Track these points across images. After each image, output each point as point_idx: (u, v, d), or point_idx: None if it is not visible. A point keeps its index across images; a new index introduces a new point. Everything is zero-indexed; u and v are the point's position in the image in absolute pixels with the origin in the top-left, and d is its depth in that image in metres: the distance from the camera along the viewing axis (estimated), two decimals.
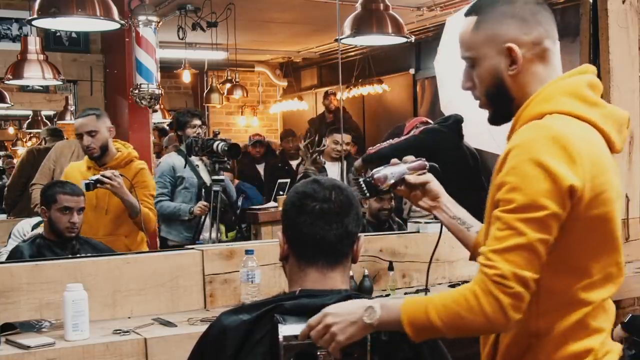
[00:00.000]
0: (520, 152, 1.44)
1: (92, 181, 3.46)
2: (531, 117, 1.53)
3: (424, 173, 1.93)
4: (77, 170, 3.77)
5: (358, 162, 4.61)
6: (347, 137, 6.26)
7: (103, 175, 3.48)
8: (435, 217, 1.94)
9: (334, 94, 8.73)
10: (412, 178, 1.91)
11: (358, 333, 1.51)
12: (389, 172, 1.92)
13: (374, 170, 1.94)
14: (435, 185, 1.92)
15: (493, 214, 1.46)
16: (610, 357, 1.56)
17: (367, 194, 1.93)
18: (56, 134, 6.55)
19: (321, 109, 9.19)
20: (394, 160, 1.92)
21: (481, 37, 1.59)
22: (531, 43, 1.57)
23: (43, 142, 6.75)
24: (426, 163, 1.96)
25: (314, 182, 1.64)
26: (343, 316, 1.50)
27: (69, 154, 4.73)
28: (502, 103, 1.62)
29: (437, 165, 1.98)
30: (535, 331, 1.52)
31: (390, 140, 4.38)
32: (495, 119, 1.68)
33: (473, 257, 1.84)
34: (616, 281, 1.62)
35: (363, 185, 1.93)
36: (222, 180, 4.28)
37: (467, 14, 1.63)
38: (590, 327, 1.53)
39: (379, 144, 4.37)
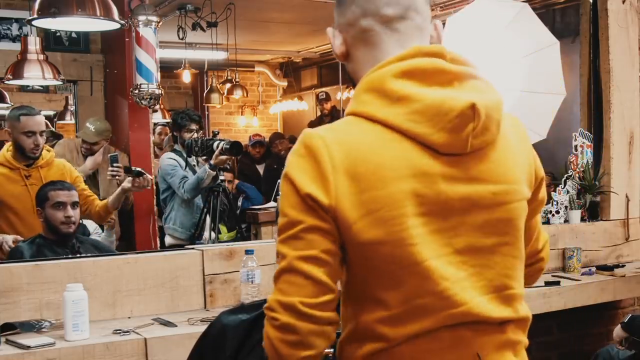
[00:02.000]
0: (285, 168, 1.28)
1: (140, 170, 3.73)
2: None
3: None
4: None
5: None
6: None
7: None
8: None
9: (325, 99, 8.72)
10: None
11: None
12: None
13: None
14: None
15: None
16: None
17: None
18: (57, 137, 6.55)
19: None
20: None
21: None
22: (346, 24, 1.35)
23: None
24: None
25: None
26: None
27: (68, 154, 4.73)
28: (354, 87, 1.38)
29: None
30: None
31: None
32: None
33: None
34: (441, 313, 1.25)
35: None
36: (223, 181, 4.30)
37: None
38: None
39: None
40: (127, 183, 3.83)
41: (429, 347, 1.26)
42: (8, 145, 3.71)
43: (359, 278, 1.27)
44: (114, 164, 4.19)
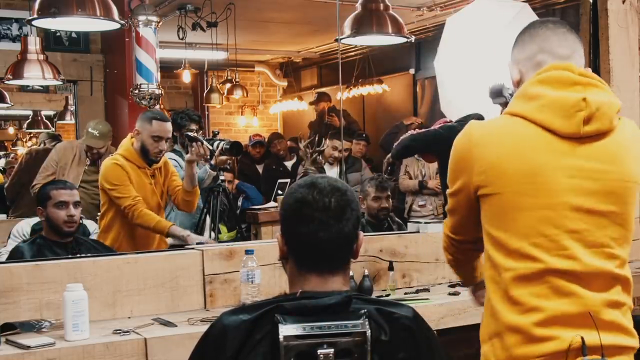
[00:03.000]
0: None
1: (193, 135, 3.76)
2: None
3: None
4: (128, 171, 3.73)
5: (389, 157, 5.01)
6: (346, 144, 6.27)
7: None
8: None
9: (326, 100, 8.70)
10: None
11: None
12: None
13: None
14: None
15: None
16: None
17: None
18: (56, 138, 6.55)
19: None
20: None
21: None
22: (523, 60, 1.86)
23: (42, 145, 6.77)
24: None
25: (312, 186, 1.60)
26: None
27: (70, 155, 4.74)
28: None
29: None
30: None
31: (412, 130, 4.53)
32: None
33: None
34: None
35: None
36: (223, 181, 4.29)
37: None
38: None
39: (401, 137, 4.47)
40: (188, 154, 3.84)
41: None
42: (131, 141, 3.73)
43: None
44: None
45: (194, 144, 3.77)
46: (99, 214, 3.93)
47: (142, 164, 3.71)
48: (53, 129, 8.44)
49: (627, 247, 1.73)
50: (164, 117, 3.77)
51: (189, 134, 3.89)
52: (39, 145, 7.04)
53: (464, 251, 2.00)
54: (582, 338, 1.61)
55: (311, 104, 8.95)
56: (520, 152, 1.69)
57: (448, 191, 1.87)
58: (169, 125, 3.74)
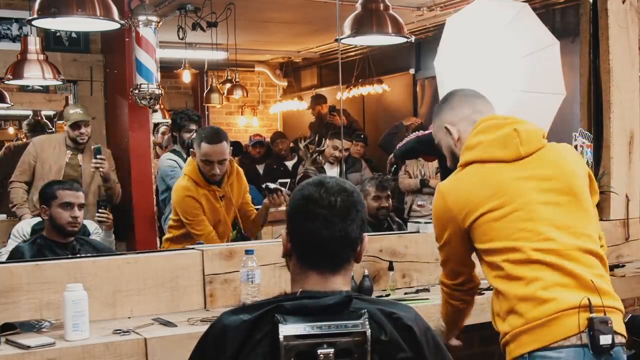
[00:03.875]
0: None
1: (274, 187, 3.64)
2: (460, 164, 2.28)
3: None
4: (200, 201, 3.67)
5: (391, 158, 5.04)
6: (346, 143, 6.27)
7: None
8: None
9: (324, 101, 8.70)
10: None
11: None
12: None
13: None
14: None
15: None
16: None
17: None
18: (37, 129, 6.49)
19: None
20: None
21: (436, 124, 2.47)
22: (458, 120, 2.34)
23: (24, 137, 6.76)
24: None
25: (320, 184, 1.62)
26: None
27: (49, 149, 4.72)
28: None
29: None
30: None
31: (417, 132, 4.58)
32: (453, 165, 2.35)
33: None
34: None
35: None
36: None
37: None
38: None
39: (406, 138, 4.48)
40: (266, 200, 3.78)
41: None
42: (194, 162, 3.67)
43: None
44: (98, 156, 4.28)
45: (274, 195, 3.67)
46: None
47: (207, 185, 3.65)
48: (53, 129, 8.43)
49: (590, 227, 2.14)
50: (215, 137, 3.62)
51: (270, 185, 3.72)
52: (19, 140, 6.97)
53: (467, 291, 2.33)
54: (588, 298, 1.98)
55: (308, 108, 8.95)
56: (483, 183, 2.13)
57: (438, 246, 2.26)
58: (221, 147, 3.59)
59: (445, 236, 2.20)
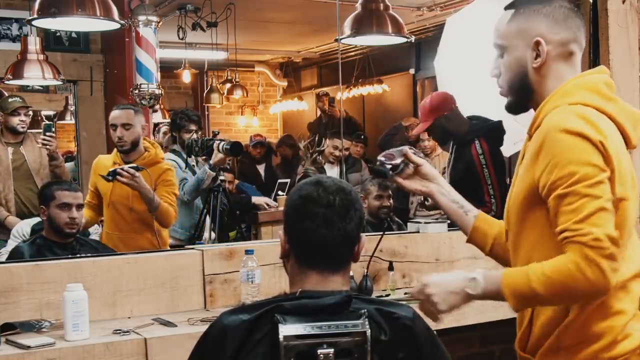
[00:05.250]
0: (559, 131, 1.57)
1: (111, 172, 3.49)
2: (553, 109, 1.65)
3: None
4: (103, 165, 3.78)
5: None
6: (346, 143, 6.27)
7: (122, 169, 3.51)
8: (434, 201, 2.03)
9: (327, 95, 8.72)
10: (409, 151, 2.00)
11: (460, 302, 1.64)
12: (393, 153, 2.01)
13: (387, 152, 2.04)
14: (429, 168, 2.01)
15: (557, 194, 1.55)
16: (630, 340, 1.61)
17: (390, 173, 1.99)
18: None
19: None
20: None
21: (514, 29, 1.74)
22: (558, 42, 1.71)
23: None
24: (419, 152, 2.06)
25: (317, 184, 1.61)
26: (443, 287, 1.63)
27: None
28: (522, 93, 1.76)
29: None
30: (565, 313, 1.61)
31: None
32: (512, 108, 1.80)
33: (469, 240, 1.98)
34: (634, 261, 1.65)
35: (381, 169, 1.99)
36: (222, 181, 4.29)
37: (507, 7, 1.79)
38: (612, 309, 1.60)
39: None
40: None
41: (631, 294, 1.64)
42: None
43: None
44: (47, 133, 4.19)
45: (120, 178, 3.52)
46: None
47: (119, 162, 3.77)
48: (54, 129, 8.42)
49: None
50: (122, 105, 3.86)
51: (120, 171, 3.54)
52: None
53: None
54: None
55: (319, 99, 8.93)
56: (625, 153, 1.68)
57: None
58: (126, 112, 3.73)
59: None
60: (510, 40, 1.75)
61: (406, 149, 2.00)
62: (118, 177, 3.47)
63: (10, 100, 4.51)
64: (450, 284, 1.65)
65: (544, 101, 1.70)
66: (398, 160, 1.98)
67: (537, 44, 1.70)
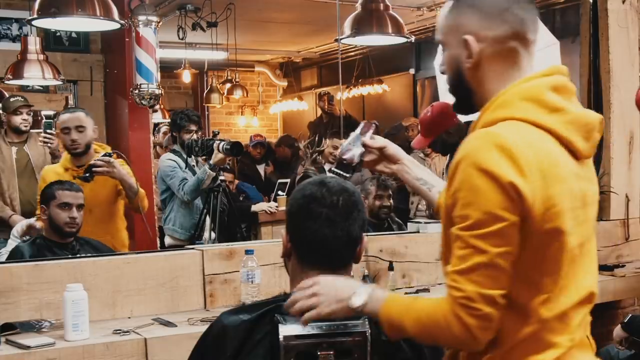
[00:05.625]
0: (469, 164, 1.38)
1: (86, 170, 3.41)
2: (488, 123, 1.46)
3: (374, 131, 1.95)
4: (53, 173, 3.66)
5: None
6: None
7: (97, 160, 3.42)
8: (400, 179, 1.96)
9: (328, 94, 8.72)
10: (368, 140, 1.91)
11: (340, 313, 1.50)
12: (350, 148, 1.91)
13: (340, 153, 1.92)
14: (393, 148, 1.94)
15: (452, 232, 1.41)
16: None
17: (349, 174, 1.88)
18: None
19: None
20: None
21: (448, 24, 1.56)
22: (492, 40, 1.50)
23: None
24: (372, 122, 1.98)
25: (321, 184, 1.61)
26: (331, 290, 1.51)
27: None
28: (462, 93, 1.58)
29: (377, 123, 2.01)
30: (490, 344, 1.43)
31: None
32: (457, 108, 1.65)
33: (437, 215, 1.80)
34: (577, 288, 1.48)
35: (340, 172, 1.87)
36: (223, 181, 4.29)
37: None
38: (544, 342, 1.44)
39: None
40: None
41: (570, 324, 1.47)
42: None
43: (520, 265, 1.41)
44: (47, 130, 4.17)
45: (98, 171, 3.44)
46: None
47: (69, 166, 3.69)
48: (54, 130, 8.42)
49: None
50: (71, 109, 3.81)
51: (96, 162, 3.46)
52: None
53: None
54: None
55: (320, 98, 8.92)
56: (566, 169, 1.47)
57: None
58: (76, 114, 3.63)
59: None
60: (445, 36, 1.57)
61: (366, 139, 1.90)
62: (95, 169, 3.40)
63: (12, 99, 4.52)
64: (338, 290, 1.51)
65: (483, 108, 1.51)
66: (357, 151, 1.89)
67: (465, 42, 1.50)
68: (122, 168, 3.51)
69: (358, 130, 1.94)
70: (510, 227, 1.36)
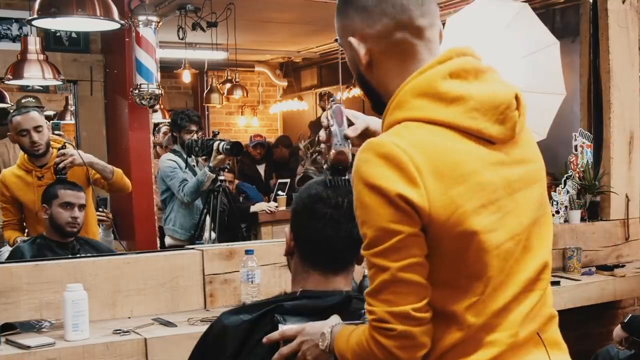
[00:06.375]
0: (358, 181, 1.30)
1: (56, 172, 3.35)
2: (387, 127, 1.36)
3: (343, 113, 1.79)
4: (15, 177, 3.58)
5: None
6: None
7: (56, 162, 3.36)
8: None
9: (328, 94, 8.72)
10: (351, 133, 1.75)
11: (321, 356, 1.47)
12: (339, 148, 1.82)
13: (333, 161, 1.83)
14: (373, 124, 1.77)
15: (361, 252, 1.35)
16: None
17: (347, 177, 1.82)
18: None
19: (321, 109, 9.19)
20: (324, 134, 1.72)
21: (337, 27, 1.46)
22: (376, 36, 1.38)
23: None
24: (337, 104, 1.82)
25: (327, 184, 1.61)
26: (312, 336, 1.48)
27: (3, 148, 4.67)
28: (370, 95, 1.48)
29: (335, 99, 1.89)
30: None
31: None
32: (374, 109, 1.53)
33: None
34: (513, 286, 1.36)
35: (340, 178, 1.81)
36: (223, 181, 4.29)
37: None
38: (477, 343, 1.33)
39: None
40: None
41: (509, 318, 1.34)
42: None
43: (440, 268, 1.31)
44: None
45: (65, 167, 3.37)
46: None
47: (29, 167, 3.60)
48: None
49: None
50: (22, 109, 3.60)
51: (57, 160, 3.40)
52: None
53: None
54: None
55: (321, 98, 8.92)
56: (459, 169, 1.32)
57: None
58: (31, 115, 3.51)
59: None
60: (340, 39, 1.46)
61: (348, 132, 1.72)
62: (60, 167, 3.33)
63: (23, 101, 4.55)
64: (313, 336, 1.48)
65: (384, 113, 1.40)
66: (346, 148, 1.80)
67: (350, 44, 1.41)
68: (85, 154, 3.44)
69: (335, 126, 1.84)
70: (407, 239, 1.26)
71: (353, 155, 1.73)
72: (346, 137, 1.72)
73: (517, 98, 1.37)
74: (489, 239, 1.30)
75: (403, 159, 1.26)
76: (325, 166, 1.74)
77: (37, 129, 3.50)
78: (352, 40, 1.40)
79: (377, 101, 1.47)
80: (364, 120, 1.75)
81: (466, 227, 1.28)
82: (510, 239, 1.34)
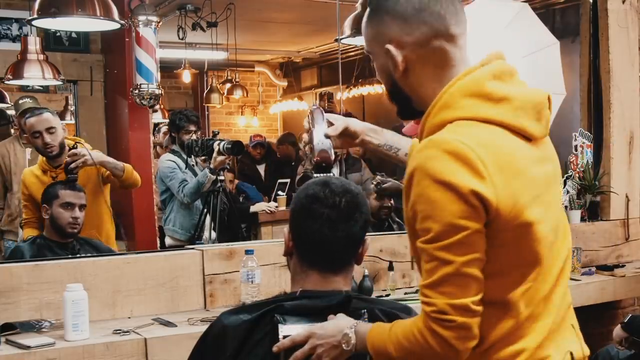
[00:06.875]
0: (423, 176, 1.33)
1: (67, 172, 3.35)
2: (433, 127, 1.40)
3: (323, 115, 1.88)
4: (33, 177, 3.61)
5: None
6: None
7: (67, 162, 3.35)
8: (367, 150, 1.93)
9: (328, 94, 8.73)
10: (331, 132, 1.84)
11: (341, 356, 1.50)
12: (321, 147, 1.85)
13: (318, 160, 1.86)
14: (353, 125, 1.90)
15: (417, 245, 1.37)
16: None
17: (331, 173, 1.84)
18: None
19: None
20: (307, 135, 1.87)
21: (370, 33, 1.49)
22: (414, 44, 1.43)
23: None
24: (316, 108, 1.90)
25: (325, 184, 1.61)
26: (327, 339, 1.50)
27: (11, 153, 4.66)
28: (399, 101, 1.53)
29: (316, 105, 1.94)
30: None
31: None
32: (400, 114, 1.59)
33: None
34: (553, 274, 1.46)
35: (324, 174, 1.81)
36: (222, 181, 4.29)
37: (365, 3, 1.55)
38: (525, 331, 1.41)
39: None
40: None
41: (551, 306, 1.44)
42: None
43: (495, 262, 1.38)
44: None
45: (77, 167, 3.36)
46: None
47: (46, 167, 3.60)
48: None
49: None
50: (35, 110, 3.62)
51: (69, 160, 3.38)
52: None
53: None
54: None
55: (321, 99, 8.90)
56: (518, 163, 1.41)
57: None
58: (44, 116, 3.51)
59: None
60: (371, 46, 1.50)
61: (328, 131, 1.81)
62: (71, 168, 3.32)
63: (20, 102, 4.54)
64: (331, 338, 1.50)
65: (426, 112, 1.43)
66: (327, 147, 1.82)
67: (388, 52, 1.44)
68: (96, 152, 3.45)
69: (314, 127, 1.87)
70: (473, 235, 1.32)
71: (336, 153, 1.80)
72: (326, 136, 1.80)
73: (548, 99, 1.47)
74: (540, 229, 1.39)
75: (471, 156, 1.31)
76: (309, 166, 1.77)
77: (49, 130, 3.50)
78: (390, 47, 1.44)
79: (405, 106, 1.53)
80: (344, 121, 1.87)
81: (524, 218, 1.36)
82: (551, 230, 1.43)
